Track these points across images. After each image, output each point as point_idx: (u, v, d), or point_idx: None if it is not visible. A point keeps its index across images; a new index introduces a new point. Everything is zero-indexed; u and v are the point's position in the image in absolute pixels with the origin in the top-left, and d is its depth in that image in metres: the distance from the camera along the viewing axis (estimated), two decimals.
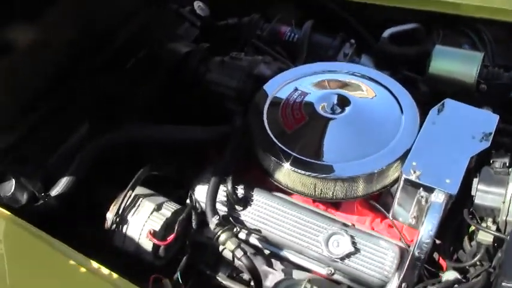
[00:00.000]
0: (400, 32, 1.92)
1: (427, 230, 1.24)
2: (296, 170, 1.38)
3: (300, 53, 1.85)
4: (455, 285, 1.24)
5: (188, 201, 1.53)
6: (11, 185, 1.48)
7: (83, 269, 1.17)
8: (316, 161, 1.39)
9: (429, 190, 1.27)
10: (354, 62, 1.87)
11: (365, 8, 1.88)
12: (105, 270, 1.18)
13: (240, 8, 2.09)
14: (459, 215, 1.35)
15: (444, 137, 1.39)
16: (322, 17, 1.96)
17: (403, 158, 1.38)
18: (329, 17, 1.94)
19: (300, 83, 1.62)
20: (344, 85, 1.58)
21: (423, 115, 1.48)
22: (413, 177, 1.28)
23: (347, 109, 1.48)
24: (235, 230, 1.46)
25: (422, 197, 1.28)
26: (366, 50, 1.95)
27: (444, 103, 1.46)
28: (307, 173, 1.37)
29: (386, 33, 1.90)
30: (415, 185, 1.29)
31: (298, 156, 1.40)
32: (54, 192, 1.50)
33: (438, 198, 1.25)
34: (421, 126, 1.44)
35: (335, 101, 1.49)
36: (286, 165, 1.39)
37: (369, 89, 1.57)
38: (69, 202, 1.53)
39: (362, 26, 1.99)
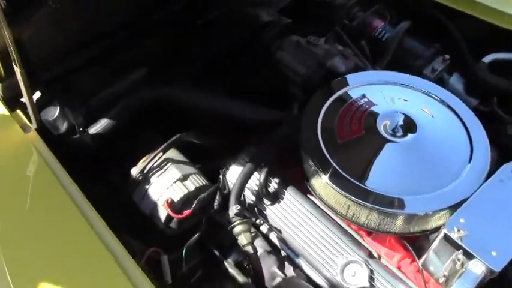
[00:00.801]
0: (504, 61, 1.71)
1: None
2: (332, 185, 1.27)
3: (385, 55, 1.69)
4: None
5: (221, 176, 1.47)
6: (54, 111, 1.48)
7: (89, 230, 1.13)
8: (357, 183, 1.27)
9: (469, 256, 1.13)
10: (442, 79, 1.68)
11: (471, 22, 1.67)
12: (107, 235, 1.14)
13: None
14: None
15: (507, 201, 1.22)
16: (421, 20, 1.77)
17: (454, 208, 1.23)
18: (428, 22, 1.74)
19: (371, 90, 1.48)
20: (416, 107, 1.42)
21: (499, 162, 1.31)
22: (455, 236, 1.15)
23: (410, 135, 1.34)
24: (259, 223, 1.40)
25: (458, 259, 1.15)
26: (459, 69, 1.75)
27: None
28: (343, 193, 1.26)
29: (488, 58, 1.69)
30: (455, 245, 1.15)
31: (339, 170, 1.29)
32: (92, 130, 1.49)
33: (476, 268, 1.12)
34: (488, 177, 1.28)
35: (400, 123, 1.36)
36: (324, 177, 1.29)
37: (442, 119, 1.41)
38: (105, 144, 1.51)
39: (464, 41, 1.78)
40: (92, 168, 1.49)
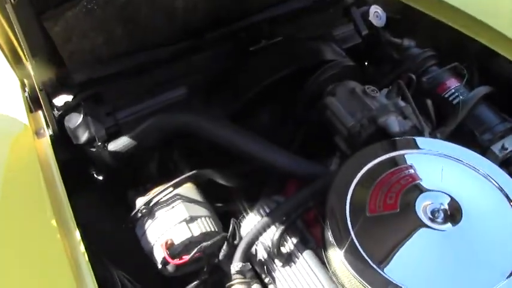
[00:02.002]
0: None
1: None
2: (347, 264, 1.13)
3: (449, 122, 1.52)
4: None
5: (232, 221, 1.36)
6: (77, 119, 1.45)
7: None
8: (378, 269, 1.12)
9: None
10: (510, 161, 1.49)
11: None
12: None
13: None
14: None
15: None
16: (504, 89, 1.58)
17: None
18: None
19: (421, 160, 1.33)
20: (469, 192, 1.25)
21: None
22: None
23: (452, 225, 1.18)
24: (268, 282, 1.31)
25: None
26: None
27: None
28: (357, 277, 1.12)
29: None
30: None
31: (359, 248, 1.15)
32: (112, 146, 1.43)
33: None
34: None
35: (443, 206, 1.19)
36: (340, 252, 1.15)
37: (496, 211, 1.23)
38: (124, 163, 1.45)
39: None
40: (104, 187, 1.43)
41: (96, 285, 1.06)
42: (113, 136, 1.46)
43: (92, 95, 1.48)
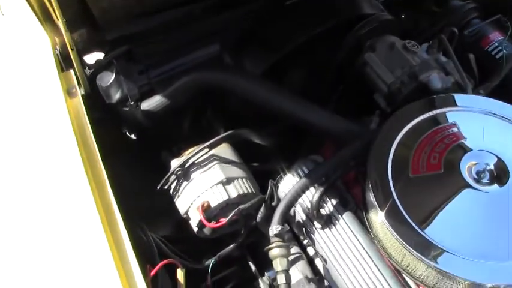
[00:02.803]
0: None
1: None
2: (388, 226, 1.13)
3: (494, 77, 1.49)
4: None
5: (270, 182, 1.36)
6: (109, 78, 1.44)
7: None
8: (420, 231, 1.12)
9: None
10: None
11: None
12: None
13: None
14: None
15: None
16: None
17: None
18: None
19: (465, 119, 1.30)
20: None
21: None
22: None
23: (497, 185, 1.16)
24: (306, 244, 1.33)
25: None
26: None
27: None
28: (399, 238, 1.11)
29: None
30: None
31: (401, 210, 1.14)
32: (145, 105, 1.43)
33: None
34: None
35: (489, 167, 1.18)
36: (381, 214, 1.15)
37: None
38: (157, 123, 1.45)
39: None
40: (138, 147, 1.43)
41: (132, 248, 1.06)
42: (146, 95, 1.45)
43: (124, 53, 1.47)
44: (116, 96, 1.44)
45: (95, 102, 1.45)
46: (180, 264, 1.19)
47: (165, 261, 1.16)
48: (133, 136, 1.53)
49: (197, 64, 1.49)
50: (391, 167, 1.21)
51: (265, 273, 1.40)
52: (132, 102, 1.43)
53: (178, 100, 1.42)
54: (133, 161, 1.51)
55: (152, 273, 1.10)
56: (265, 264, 1.41)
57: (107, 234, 1.06)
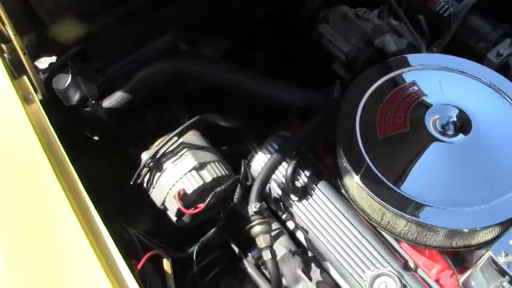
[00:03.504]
0: None
1: None
2: (365, 187, 1.17)
3: (444, 34, 1.55)
4: None
5: (243, 162, 1.38)
6: (66, 80, 1.43)
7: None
8: (396, 188, 1.17)
9: None
10: (508, 65, 1.53)
11: None
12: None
13: None
14: None
15: None
16: None
17: (506, 223, 1.13)
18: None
19: (423, 76, 1.36)
20: (476, 101, 1.29)
21: None
22: (501, 261, 1.05)
23: (462, 136, 1.23)
24: (285, 218, 1.37)
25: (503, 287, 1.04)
26: None
27: None
28: (377, 198, 1.16)
29: None
30: (501, 271, 1.05)
31: (375, 171, 1.19)
32: (107, 103, 1.42)
33: None
34: None
35: (452, 119, 1.23)
36: (356, 177, 1.19)
37: (504, 118, 1.28)
38: (120, 119, 1.45)
39: None
40: (105, 145, 1.43)
41: (115, 245, 1.07)
42: (106, 93, 1.44)
43: (78, 53, 1.45)
44: (75, 97, 1.43)
45: (54, 106, 1.43)
46: (165, 254, 1.21)
47: (150, 253, 1.17)
48: (96, 138, 1.53)
49: (154, 56, 1.49)
50: (359, 131, 1.26)
51: (249, 254, 1.42)
52: (93, 102, 1.42)
53: (139, 93, 1.42)
54: (102, 160, 1.51)
55: (139, 266, 1.11)
56: (248, 246, 1.43)
57: (87, 235, 1.06)
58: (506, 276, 1.05)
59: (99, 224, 1.08)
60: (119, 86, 1.43)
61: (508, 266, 1.05)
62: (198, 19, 1.57)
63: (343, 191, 1.30)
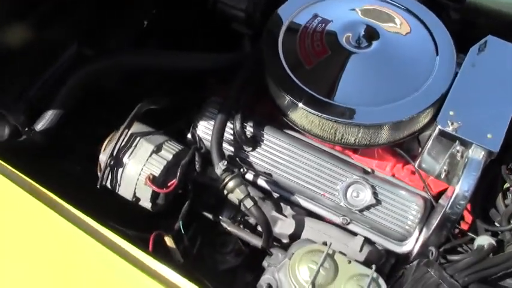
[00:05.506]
0: None
1: (462, 190, 1.20)
2: (314, 112, 1.32)
3: None
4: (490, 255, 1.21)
5: (189, 136, 1.48)
6: None
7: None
8: (339, 104, 1.33)
9: (467, 145, 1.23)
10: None
11: None
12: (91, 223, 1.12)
13: None
14: (494, 169, 1.31)
15: (485, 82, 1.33)
16: None
17: (436, 104, 1.33)
18: None
19: (321, 8, 1.52)
20: (372, 14, 1.48)
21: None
22: (450, 129, 1.24)
23: (375, 43, 1.41)
24: (243, 172, 1.45)
25: (458, 151, 1.24)
26: None
27: (486, 41, 1.38)
28: (327, 117, 1.31)
29: None
30: (451, 138, 1.24)
31: (317, 96, 1.34)
32: (40, 126, 1.43)
33: (477, 154, 1.21)
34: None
35: (362, 33, 1.41)
36: (304, 106, 1.33)
37: (401, 21, 1.48)
38: (57, 137, 1.47)
39: None
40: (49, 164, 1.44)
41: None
42: (34, 117, 1.45)
43: None
44: (6, 132, 1.42)
45: None
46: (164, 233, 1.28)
47: (154, 233, 1.23)
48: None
49: (67, 67, 1.51)
50: (289, 69, 1.39)
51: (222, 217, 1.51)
52: (26, 129, 1.42)
53: (69, 105, 1.45)
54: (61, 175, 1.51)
55: (150, 247, 1.17)
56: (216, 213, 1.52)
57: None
58: (457, 141, 1.24)
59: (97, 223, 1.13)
60: (46, 106, 1.44)
61: (456, 131, 1.23)
62: (93, 20, 1.61)
63: (291, 124, 1.42)
